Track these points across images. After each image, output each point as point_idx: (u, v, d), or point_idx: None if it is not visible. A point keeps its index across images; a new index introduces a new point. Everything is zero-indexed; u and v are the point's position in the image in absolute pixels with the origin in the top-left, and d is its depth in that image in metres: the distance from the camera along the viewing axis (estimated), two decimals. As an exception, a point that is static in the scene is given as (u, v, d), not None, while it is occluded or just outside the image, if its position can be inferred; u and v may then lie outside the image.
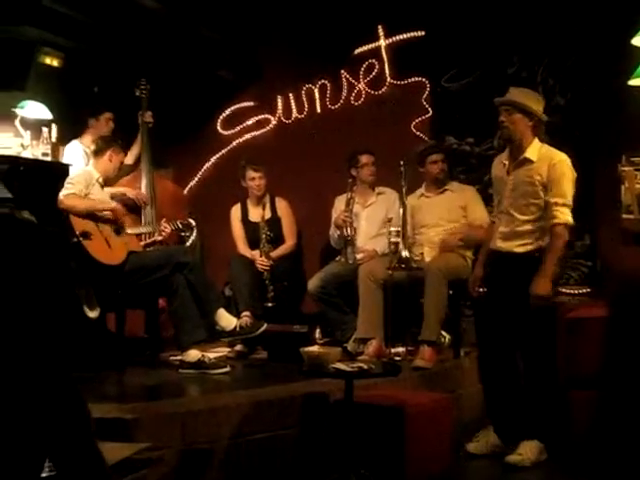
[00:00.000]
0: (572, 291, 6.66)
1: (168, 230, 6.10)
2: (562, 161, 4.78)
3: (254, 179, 6.78)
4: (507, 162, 4.94)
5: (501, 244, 4.90)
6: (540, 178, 4.74)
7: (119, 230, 5.80)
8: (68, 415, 2.63)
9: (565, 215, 4.70)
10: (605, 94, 6.54)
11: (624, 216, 5.59)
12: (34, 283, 2.66)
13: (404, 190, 6.08)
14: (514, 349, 4.83)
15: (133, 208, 6.25)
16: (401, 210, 6.06)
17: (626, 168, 5.58)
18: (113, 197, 6.09)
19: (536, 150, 4.82)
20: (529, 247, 4.79)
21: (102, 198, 5.89)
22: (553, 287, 4.74)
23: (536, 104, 4.90)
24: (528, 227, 4.80)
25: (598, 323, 5.06)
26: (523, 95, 4.91)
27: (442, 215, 6.22)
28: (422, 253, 6.11)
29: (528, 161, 4.80)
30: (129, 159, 6.57)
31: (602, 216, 6.53)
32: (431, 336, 5.60)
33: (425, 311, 5.66)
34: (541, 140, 4.91)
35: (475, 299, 5.14)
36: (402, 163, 6.04)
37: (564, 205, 4.71)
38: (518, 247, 4.82)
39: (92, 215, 5.66)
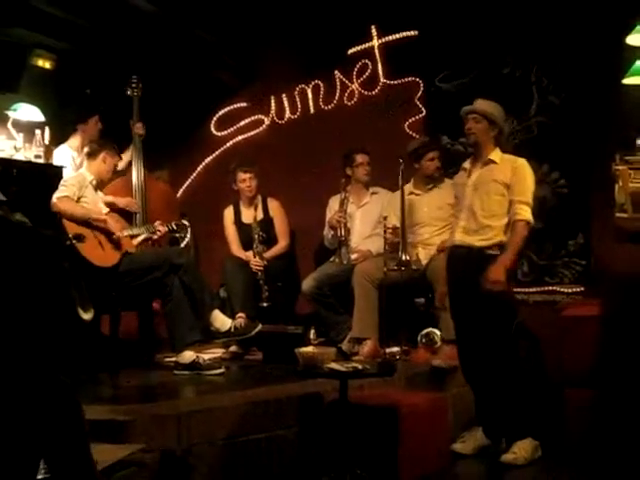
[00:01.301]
0: (566, 290, 6.67)
1: (162, 231, 6.08)
2: (524, 164, 5.00)
3: (245, 180, 6.78)
4: (468, 167, 5.12)
5: (461, 237, 4.99)
6: (503, 178, 4.92)
7: (116, 243, 5.76)
8: (62, 417, 2.62)
9: (526, 212, 4.87)
10: (599, 93, 6.54)
11: (618, 215, 5.60)
12: (28, 285, 2.66)
13: (403, 190, 6.07)
14: (493, 345, 4.83)
15: (124, 211, 6.24)
16: (400, 211, 6.05)
17: (620, 167, 5.58)
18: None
19: (498, 155, 5.04)
20: (489, 242, 4.89)
21: (95, 202, 5.87)
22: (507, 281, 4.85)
23: (500, 115, 5.09)
24: (490, 222, 4.90)
25: (592, 322, 5.08)
26: (491, 106, 5.10)
27: (432, 214, 6.25)
28: (417, 254, 6.11)
29: (492, 162, 5.00)
30: (120, 165, 6.55)
31: (596, 215, 6.53)
32: (452, 335, 5.62)
33: (441, 311, 5.66)
34: (502, 150, 5.11)
35: (451, 299, 5.16)
36: (401, 161, 6.04)
37: (526, 203, 4.89)
38: (478, 241, 4.91)
39: (85, 221, 5.65)
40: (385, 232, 6.13)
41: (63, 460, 2.64)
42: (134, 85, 6.71)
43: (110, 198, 6.15)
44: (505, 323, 4.84)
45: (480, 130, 5.00)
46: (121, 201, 6.23)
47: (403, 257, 5.87)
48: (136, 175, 6.46)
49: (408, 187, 6.37)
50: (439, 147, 6.61)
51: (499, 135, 5.06)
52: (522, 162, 5.00)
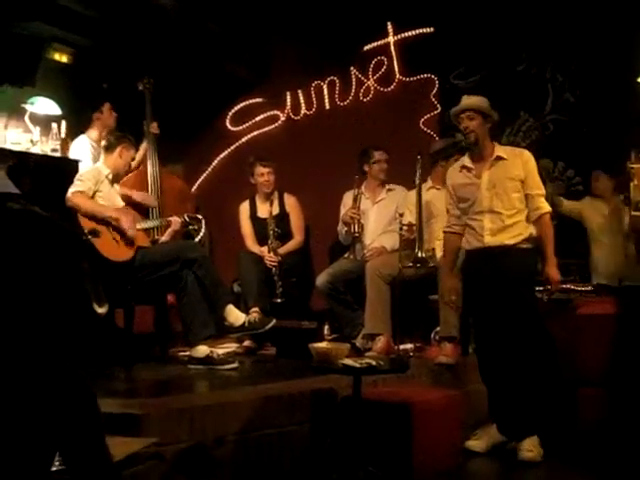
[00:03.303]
0: (580, 288, 6.65)
1: (176, 222, 6.07)
2: (530, 156, 5.01)
3: (263, 175, 6.77)
4: (472, 166, 5.05)
5: (490, 239, 4.93)
6: (518, 174, 4.91)
7: (130, 242, 5.74)
8: (78, 410, 2.64)
9: (547, 204, 4.94)
10: (615, 91, 6.52)
11: (633, 213, 5.59)
12: (49, 277, 2.67)
13: (420, 186, 6.05)
14: (516, 344, 4.82)
15: (139, 204, 6.26)
16: (416, 207, 6.04)
17: (635, 165, 5.58)
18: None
19: (502, 149, 5.04)
20: (519, 238, 4.88)
21: (111, 196, 5.86)
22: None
23: (489, 106, 5.06)
24: (515, 219, 4.89)
25: (606, 320, 5.07)
26: (481, 100, 5.07)
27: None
28: (433, 249, 6.09)
29: (501, 159, 4.96)
30: (133, 164, 6.55)
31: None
32: (451, 332, 5.63)
33: (441, 308, 5.66)
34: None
35: (471, 298, 5.15)
36: (419, 157, 6.03)
37: (543, 195, 4.95)
38: (509, 239, 4.89)
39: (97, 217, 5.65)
40: (401, 229, 6.12)
41: (79, 452, 2.65)
42: (146, 81, 6.71)
43: (127, 191, 6.16)
44: (532, 321, 4.82)
45: (477, 126, 4.97)
46: (138, 195, 6.24)
47: (419, 254, 5.86)
48: (151, 171, 6.47)
49: (427, 183, 6.37)
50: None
51: (493, 125, 5.05)
52: (528, 154, 5.02)
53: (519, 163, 4.92)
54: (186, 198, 6.81)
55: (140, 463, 3.19)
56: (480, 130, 4.97)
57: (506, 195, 4.89)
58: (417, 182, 6.06)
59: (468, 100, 5.05)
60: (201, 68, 7.89)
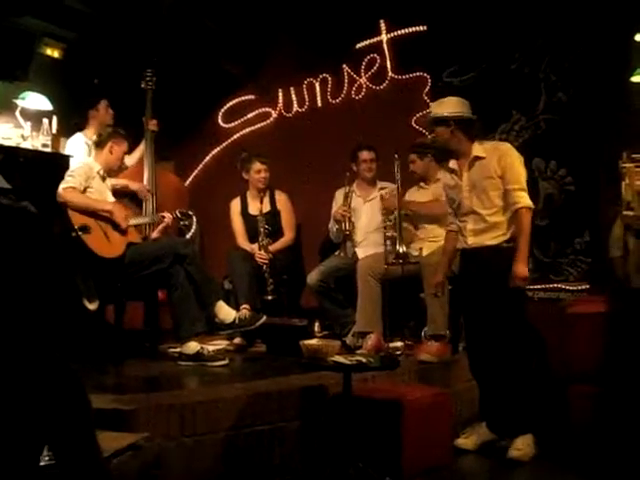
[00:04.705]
0: (571, 287, 6.66)
1: (168, 218, 6.06)
2: (508, 149, 4.94)
3: (260, 172, 6.77)
4: (456, 167, 5.02)
5: (472, 240, 4.94)
6: (494, 171, 4.84)
7: (120, 230, 5.73)
8: (68, 404, 2.63)
9: (525, 199, 4.81)
10: (608, 90, 6.51)
11: (624, 213, 5.59)
12: (36, 272, 2.66)
13: (399, 183, 6.07)
14: (502, 342, 4.82)
15: (134, 199, 6.26)
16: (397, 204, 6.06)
17: (627, 165, 5.57)
18: (115, 188, 6.09)
19: (481, 147, 4.94)
20: (501, 238, 4.84)
21: (102, 192, 5.85)
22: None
23: (458, 108, 4.98)
24: (496, 219, 4.85)
25: (596, 319, 5.07)
26: (436, 107, 5.05)
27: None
28: (421, 248, 6.09)
29: (479, 159, 4.91)
30: (130, 161, 6.54)
31: (603, 213, 6.50)
32: (438, 330, 5.64)
33: (428, 306, 5.67)
34: (476, 137, 5.01)
35: (460, 297, 5.15)
36: (397, 156, 6.04)
37: (521, 189, 4.82)
38: (490, 240, 4.86)
39: (90, 211, 5.63)
40: (385, 227, 6.14)
41: (68, 445, 2.64)
42: (148, 78, 6.70)
43: (123, 181, 6.16)
44: (516, 319, 4.82)
45: (440, 134, 4.96)
46: (134, 185, 6.25)
47: (400, 250, 5.86)
48: (147, 171, 6.47)
49: (420, 184, 6.39)
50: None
51: (461, 124, 4.94)
52: (505, 148, 4.97)
53: (495, 159, 4.85)
54: (181, 195, 6.82)
55: (120, 455, 3.19)
56: (445, 136, 4.95)
57: (485, 194, 4.86)
58: (397, 179, 6.06)
59: (433, 111, 5.04)
60: (193, 64, 7.88)
